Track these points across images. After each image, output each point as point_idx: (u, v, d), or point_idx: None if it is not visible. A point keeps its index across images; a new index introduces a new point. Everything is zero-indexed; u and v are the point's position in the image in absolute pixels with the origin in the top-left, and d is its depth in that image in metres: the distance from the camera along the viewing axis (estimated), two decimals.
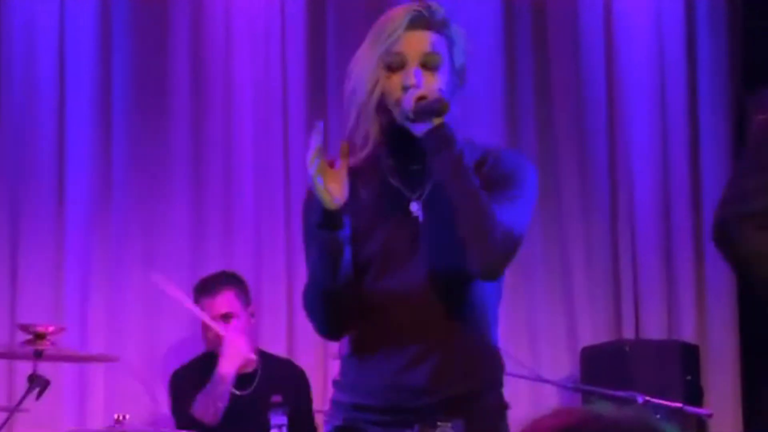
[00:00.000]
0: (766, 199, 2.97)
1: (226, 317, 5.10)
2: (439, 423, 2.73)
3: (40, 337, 4.55)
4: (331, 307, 2.78)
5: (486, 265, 2.77)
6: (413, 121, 2.71)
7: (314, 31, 6.08)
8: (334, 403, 2.92)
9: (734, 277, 5.75)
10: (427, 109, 2.72)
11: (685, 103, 6.12)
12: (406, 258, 2.82)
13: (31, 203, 5.65)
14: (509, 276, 6.03)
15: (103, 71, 5.79)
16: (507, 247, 2.77)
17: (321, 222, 2.71)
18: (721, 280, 5.96)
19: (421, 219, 2.80)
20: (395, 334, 2.82)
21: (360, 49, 2.86)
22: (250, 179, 5.84)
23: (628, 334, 5.87)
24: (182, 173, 5.79)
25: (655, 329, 5.90)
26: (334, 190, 2.71)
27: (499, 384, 2.91)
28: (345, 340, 2.90)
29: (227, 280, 5.22)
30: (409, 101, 2.70)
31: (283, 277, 5.58)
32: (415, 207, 2.84)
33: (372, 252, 2.84)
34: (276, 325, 5.53)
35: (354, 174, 2.82)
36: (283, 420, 4.26)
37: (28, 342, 4.58)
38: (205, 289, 5.20)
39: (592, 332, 5.85)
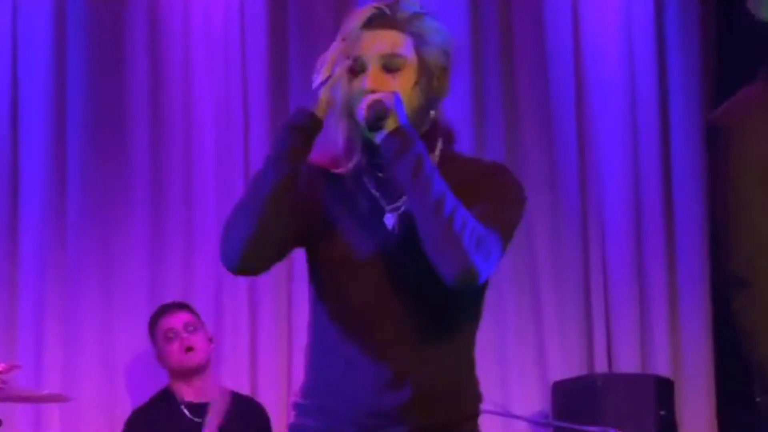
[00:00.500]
0: None
1: (186, 327, 5.05)
2: None
3: None
4: (261, 231, 2.57)
5: (459, 272, 2.56)
6: (370, 130, 2.58)
7: (275, 38, 5.95)
8: (296, 427, 2.73)
9: (709, 309, 5.86)
10: (371, 116, 2.57)
11: (657, 119, 6.04)
12: (377, 271, 2.66)
13: None
14: (487, 305, 5.86)
15: (57, 92, 5.68)
16: (482, 252, 2.57)
17: (301, 125, 2.56)
18: (695, 312, 5.92)
19: (396, 232, 2.66)
20: (363, 356, 2.66)
21: (324, 55, 2.70)
22: (213, 209, 5.70)
23: (601, 367, 5.80)
24: (141, 201, 5.68)
25: (628, 362, 5.82)
26: (330, 101, 2.61)
27: (477, 414, 2.74)
28: (308, 360, 2.74)
29: (183, 304, 5.19)
30: (361, 109, 2.57)
31: (245, 311, 5.50)
32: (390, 219, 2.69)
33: (340, 261, 2.68)
34: (238, 361, 5.47)
35: (335, 179, 2.70)
36: None
37: None
38: (161, 311, 5.15)
39: (564, 366, 5.76)
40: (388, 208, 2.68)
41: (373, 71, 2.58)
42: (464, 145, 5.85)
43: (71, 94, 5.68)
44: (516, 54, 6.05)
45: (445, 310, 2.67)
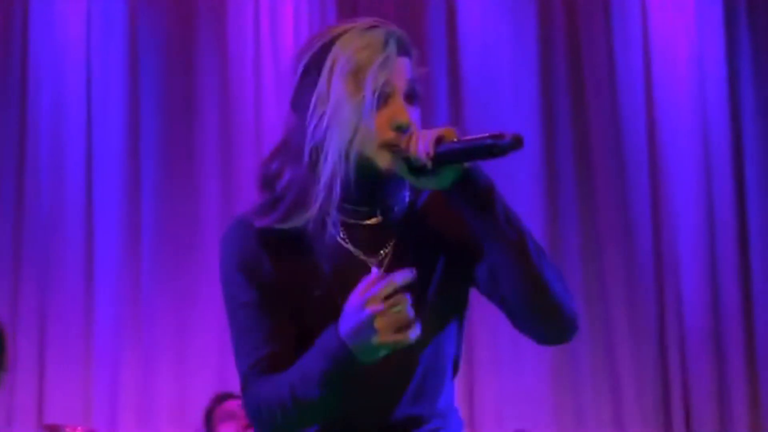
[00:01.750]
0: None
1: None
2: None
3: None
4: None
5: (567, 333, 2.25)
6: (427, 171, 2.21)
7: None
8: None
9: None
10: (465, 150, 2.17)
11: (731, 169, 6.01)
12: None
13: (60, 300, 5.60)
14: (556, 363, 5.79)
15: (131, 143, 5.78)
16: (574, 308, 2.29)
17: (343, 370, 2.23)
18: None
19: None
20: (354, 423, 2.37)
21: (322, 83, 2.27)
22: None
23: (679, 429, 5.78)
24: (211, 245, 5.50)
25: (706, 425, 5.81)
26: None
27: None
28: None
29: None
30: (425, 144, 2.19)
31: None
32: (375, 271, 2.31)
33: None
34: None
35: (299, 235, 2.32)
36: None
37: None
38: (219, 399, 5.13)
39: (641, 426, 5.75)
40: (371, 261, 2.36)
41: (399, 102, 2.26)
42: (537, 200, 6.01)
43: (144, 151, 5.76)
44: (588, 106, 6.09)
45: (442, 369, 2.43)
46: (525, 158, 5.92)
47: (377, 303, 2.10)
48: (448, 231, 2.34)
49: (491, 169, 2.38)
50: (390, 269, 2.23)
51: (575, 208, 6.06)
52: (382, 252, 2.32)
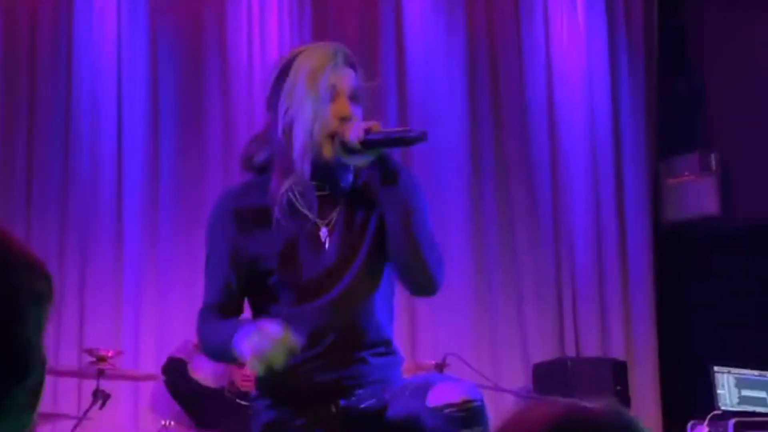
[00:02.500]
0: None
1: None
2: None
3: (102, 359, 4.84)
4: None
5: (437, 285, 2.74)
6: (356, 152, 2.65)
7: None
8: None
9: (654, 305, 6.34)
10: (386, 140, 2.62)
11: (612, 168, 6.50)
12: (316, 283, 2.74)
13: (96, 253, 5.83)
14: (478, 304, 6.03)
15: (152, 136, 6.00)
16: (442, 268, 2.76)
17: (233, 360, 2.66)
18: (644, 309, 6.37)
19: (327, 246, 2.74)
20: (308, 350, 2.72)
21: (288, 85, 2.71)
22: None
23: (570, 352, 6.21)
24: None
25: (591, 348, 6.24)
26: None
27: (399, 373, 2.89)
28: None
29: None
30: (356, 132, 2.62)
31: None
32: (324, 233, 2.76)
33: (284, 277, 2.75)
34: None
35: (265, 206, 2.73)
36: None
37: (93, 363, 4.84)
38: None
39: (541, 351, 6.14)
40: (322, 223, 2.73)
41: (344, 100, 2.65)
42: (459, 203, 6.22)
43: (164, 141, 6.01)
44: (504, 117, 6.45)
45: (371, 301, 2.78)
46: (453, 151, 6.30)
47: (263, 352, 2.46)
48: (377, 204, 2.70)
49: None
50: (334, 229, 2.68)
51: (493, 187, 6.34)
52: (330, 216, 2.70)
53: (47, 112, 5.94)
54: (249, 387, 5.25)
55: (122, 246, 5.89)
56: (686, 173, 6.38)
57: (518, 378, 5.98)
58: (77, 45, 5.98)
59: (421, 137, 2.58)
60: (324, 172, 2.67)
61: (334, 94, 2.65)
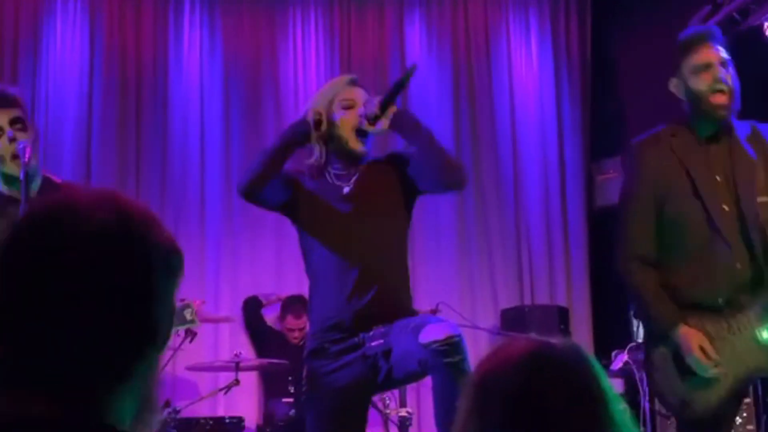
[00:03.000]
0: (644, 246, 3.02)
1: (301, 330, 5.54)
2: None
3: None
4: (262, 174, 2.89)
5: (461, 177, 2.87)
6: (377, 118, 2.84)
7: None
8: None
9: (588, 267, 6.58)
10: (393, 91, 2.81)
11: (558, 166, 6.76)
12: (343, 227, 2.91)
13: (186, 228, 6.20)
14: (461, 261, 6.03)
15: (226, 140, 6.33)
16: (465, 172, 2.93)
17: (302, 130, 2.78)
18: (581, 268, 6.64)
19: (349, 195, 2.93)
20: (343, 277, 2.88)
21: (313, 102, 2.97)
22: None
23: (527, 300, 6.56)
24: None
25: (542, 297, 6.56)
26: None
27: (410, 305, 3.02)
28: (313, 297, 3.01)
29: (304, 303, 5.27)
30: (372, 103, 2.87)
31: None
32: (346, 189, 2.95)
33: (322, 225, 2.91)
34: None
35: (310, 177, 2.98)
36: None
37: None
38: (289, 308, 5.64)
39: (507, 299, 6.51)
40: (345, 185, 2.94)
41: (357, 105, 2.94)
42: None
43: (234, 145, 6.36)
44: (479, 127, 6.71)
45: (393, 241, 2.97)
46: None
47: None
48: (384, 172, 2.97)
49: None
50: (353, 189, 2.86)
51: (471, 178, 5.97)
52: (350, 181, 2.95)
53: (151, 130, 6.28)
54: (296, 339, 5.58)
55: (204, 225, 6.23)
56: (611, 171, 6.35)
57: (490, 319, 6.23)
58: (172, 81, 6.33)
59: (412, 70, 2.87)
60: (347, 160, 2.98)
61: (349, 105, 2.94)
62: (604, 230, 6.10)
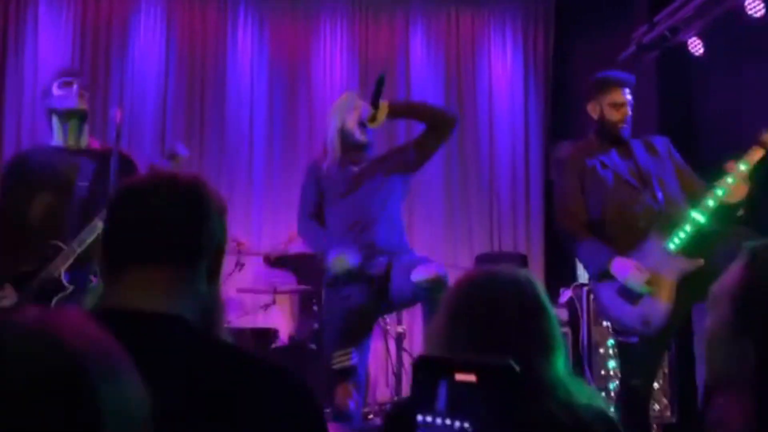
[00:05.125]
0: (579, 213, 3.08)
1: None
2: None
3: (240, 243, 5.17)
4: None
5: (455, 116, 2.97)
6: (374, 116, 2.94)
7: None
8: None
9: (545, 217, 6.36)
10: (375, 94, 2.87)
11: (524, 140, 6.58)
12: (349, 192, 3.03)
13: (237, 177, 6.10)
14: (446, 215, 5.81)
15: (269, 119, 6.21)
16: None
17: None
18: (537, 224, 6.52)
19: (359, 173, 3.02)
20: (349, 231, 3.01)
21: (330, 117, 3.07)
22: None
23: (495, 248, 6.43)
24: (302, 160, 5.88)
25: (507, 245, 6.45)
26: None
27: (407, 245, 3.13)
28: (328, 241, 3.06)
29: None
30: (366, 107, 2.98)
31: None
32: (355, 170, 3.07)
33: (335, 194, 3.02)
34: None
35: (329, 166, 3.09)
36: None
37: (235, 246, 5.11)
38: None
39: (480, 247, 6.36)
40: (356, 168, 3.06)
41: (359, 110, 3.06)
42: (437, 161, 5.95)
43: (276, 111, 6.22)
44: (464, 117, 6.43)
45: (391, 204, 3.06)
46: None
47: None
48: (383, 159, 3.11)
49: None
50: (360, 169, 2.93)
51: (457, 156, 6.41)
52: (361, 165, 3.08)
53: (212, 109, 6.16)
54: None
55: (252, 181, 6.20)
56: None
57: (468, 262, 5.98)
58: (229, 73, 6.21)
59: (382, 79, 2.94)
60: (358, 147, 3.11)
61: (354, 110, 3.11)
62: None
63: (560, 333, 1.35)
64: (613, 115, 3.18)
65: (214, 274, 1.29)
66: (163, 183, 1.26)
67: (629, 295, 2.95)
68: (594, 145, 3.19)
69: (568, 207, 3.04)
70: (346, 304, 2.95)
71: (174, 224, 1.24)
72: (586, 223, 3.04)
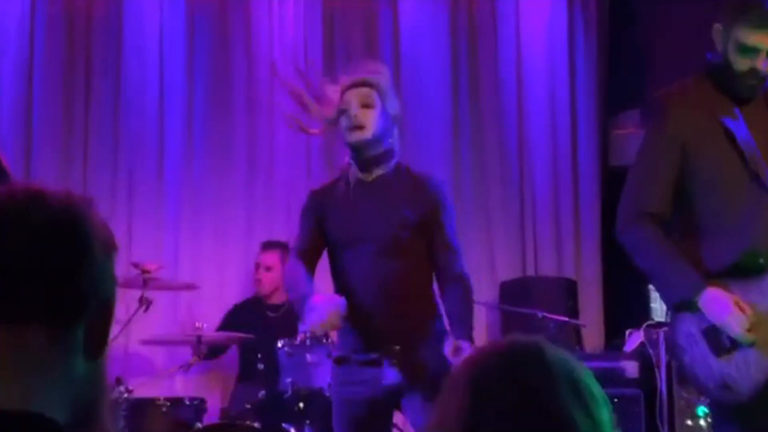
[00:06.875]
0: (657, 206, 3.03)
1: (268, 268, 5.67)
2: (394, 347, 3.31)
3: (146, 271, 5.17)
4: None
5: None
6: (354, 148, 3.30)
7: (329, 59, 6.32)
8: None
9: (599, 235, 6.54)
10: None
11: (569, 123, 6.74)
12: (364, 237, 3.36)
13: (142, 187, 6.26)
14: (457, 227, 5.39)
15: (188, 77, 6.34)
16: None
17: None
18: (592, 236, 6.61)
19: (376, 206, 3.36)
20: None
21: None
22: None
23: (530, 272, 6.50)
24: (240, 155, 6.29)
25: (548, 268, 6.52)
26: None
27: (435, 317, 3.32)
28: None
29: (276, 244, 5.68)
30: (348, 135, 3.33)
31: None
32: (366, 202, 3.39)
33: (344, 226, 3.41)
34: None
35: (331, 192, 3.44)
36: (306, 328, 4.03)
37: (139, 275, 5.17)
38: (261, 247, 5.76)
39: (507, 271, 6.44)
40: (366, 195, 3.38)
41: (355, 110, 3.30)
42: (442, 149, 6.44)
43: (198, 85, 6.37)
44: (481, 80, 6.70)
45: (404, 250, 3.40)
46: (437, 109, 6.52)
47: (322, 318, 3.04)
48: (403, 192, 3.31)
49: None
50: (371, 189, 3.26)
51: (469, 137, 6.61)
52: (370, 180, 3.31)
53: (103, 78, 6.32)
54: (264, 285, 5.72)
55: (163, 182, 6.26)
56: (629, 126, 6.35)
57: (488, 293, 6.13)
58: (126, 19, 6.34)
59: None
60: (363, 161, 3.45)
61: (347, 106, 3.34)
62: (619, 192, 5.95)
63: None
64: (739, 64, 3.10)
65: (97, 342, 1.27)
66: (19, 207, 1.23)
67: (717, 343, 2.97)
68: (710, 96, 3.12)
69: (646, 189, 3.01)
70: (356, 393, 3.36)
71: (36, 269, 1.21)
72: (669, 220, 3.02)
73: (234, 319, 5.77)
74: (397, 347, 3.26)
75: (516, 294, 6.06)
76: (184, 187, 6.34)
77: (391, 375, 3.25)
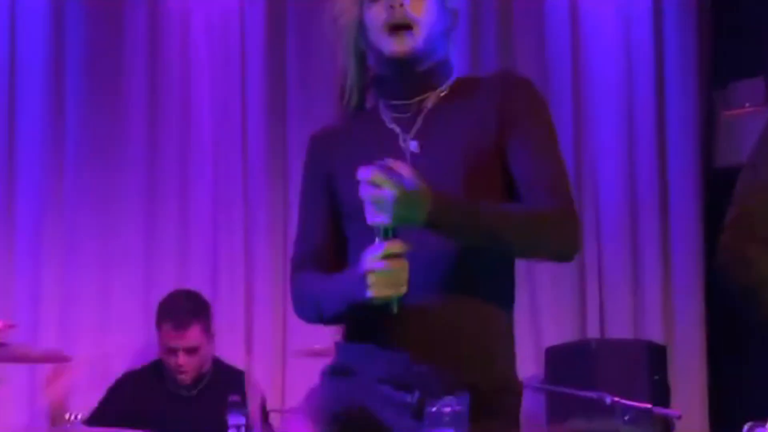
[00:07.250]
0: None
1: (189, 351, 5.20)
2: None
3: None
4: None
5: (566, 251, 2.67)
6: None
7: (273, 35, 6.17)
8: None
9: (701, 277, 6.09)
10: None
11: (653, 103, 6.29)
12: None
13: None
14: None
15: (55, 75, 5.92)
16: (573, 222, 2.66)
17: (356, 305, 2.64)
18: (688, 279, 6.11)
19: (421, 154, 2.81)
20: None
21: None
22: (209, 182, 5.89)
23: (593, 333, 6.00)
24: (137, 173, 5.89)
25: (620, 329, 6.02)
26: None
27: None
28: None
29: (195, 311, 5.26)
30: (386, 42, 2.74)
31: (240, 276, 5.64)
32: (414, 145, 2.82)
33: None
34: (234, 329, 5.60)
35: (349, 120, 2.89)
36: (241, 420, 4.38)
37: None
38: (171, 319, 5.26)
39: (556, 331, 5.95)
40: (411, 135, 2.79)
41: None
42: None
43: (70, 83, 5.90)
44: (516, 44, 6.31)
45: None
46: None
47: (375, 261, 2.48)
48: (472, 105, 2.73)
49: None
50: (421, 142, 2.73)
51: None
52: (413, 129, 2.77)
53: None
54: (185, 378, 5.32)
55: (13, 206, 5.81)
56: (747, 104, 6.10)
57: (527, 366, 5.60)
58: None
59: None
60: (397, 81, 2.98)
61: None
62: (727, 207, 6.17)
63: None
64: None
65: None
66: None
67: None
68: None
69: (750, 211, 2.68)
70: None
71: None
72: None
73: (123, 400, 5.40)
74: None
75: (570, 367, 5.70)
76: (49, 217, 5.93)
77: None
